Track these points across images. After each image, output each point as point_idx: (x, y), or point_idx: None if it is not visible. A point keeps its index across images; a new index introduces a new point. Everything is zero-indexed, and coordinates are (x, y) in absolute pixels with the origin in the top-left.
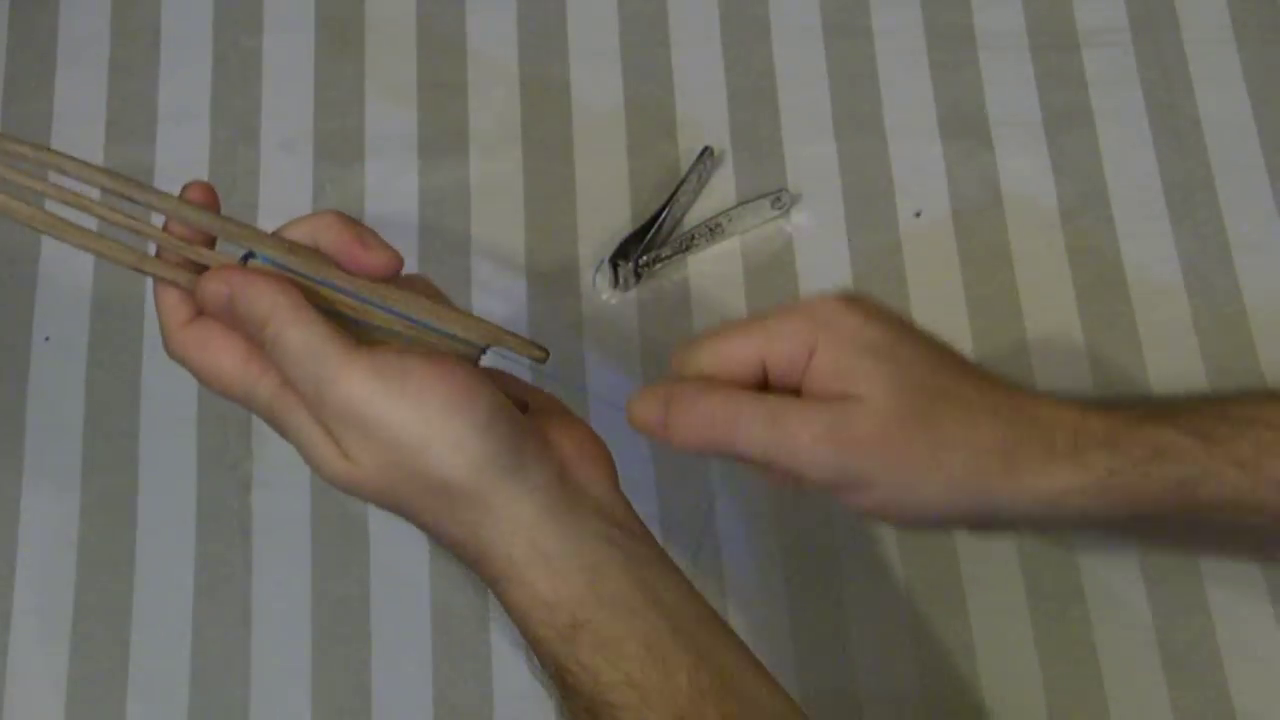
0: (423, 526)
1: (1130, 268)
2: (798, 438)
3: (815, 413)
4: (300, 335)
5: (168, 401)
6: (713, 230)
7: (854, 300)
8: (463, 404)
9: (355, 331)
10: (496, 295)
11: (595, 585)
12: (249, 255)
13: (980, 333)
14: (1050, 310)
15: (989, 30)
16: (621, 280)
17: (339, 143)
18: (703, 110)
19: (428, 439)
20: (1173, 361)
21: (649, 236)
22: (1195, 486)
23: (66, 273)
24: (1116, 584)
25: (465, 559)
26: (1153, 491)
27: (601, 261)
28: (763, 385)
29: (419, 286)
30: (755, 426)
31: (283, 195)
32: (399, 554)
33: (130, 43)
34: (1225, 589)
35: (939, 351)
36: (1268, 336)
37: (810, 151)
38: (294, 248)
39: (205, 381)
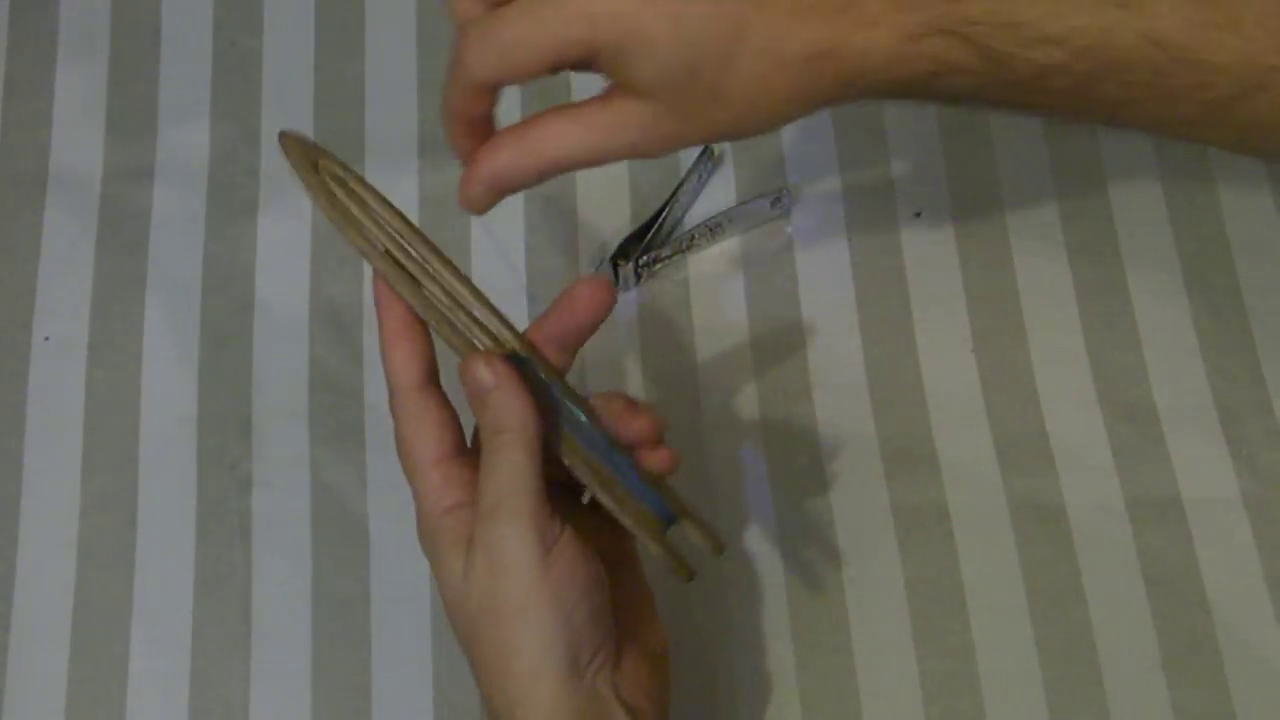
0: (478, 661)
1: (1131, 268)
2: (605, 144)
3: (597, 112)
4: (519, 461)
5: (167, 401)
6: (713, 230)
7: None
8: (572, 592)
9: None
10: (497, 295)
11: None
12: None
13: (980, 333)
14: (1051, 310)
15: None
16: (622, 280)
17: (339, 143)
18: None
19: (524, 613)
20: (1173, 361)
21: (649, 237)
22: (976, 93)
23: (66, 272)
24: (1117, 583)
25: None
26: (937, 92)
27: (602, 261)
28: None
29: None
30: (561, 147)
31: (283, 195)
32: (399, 554)
33: (130, 42)
34: (1226, 588)
35: None
36: (1267, 336)
37: (810, 151)
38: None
39: (398, 443)
